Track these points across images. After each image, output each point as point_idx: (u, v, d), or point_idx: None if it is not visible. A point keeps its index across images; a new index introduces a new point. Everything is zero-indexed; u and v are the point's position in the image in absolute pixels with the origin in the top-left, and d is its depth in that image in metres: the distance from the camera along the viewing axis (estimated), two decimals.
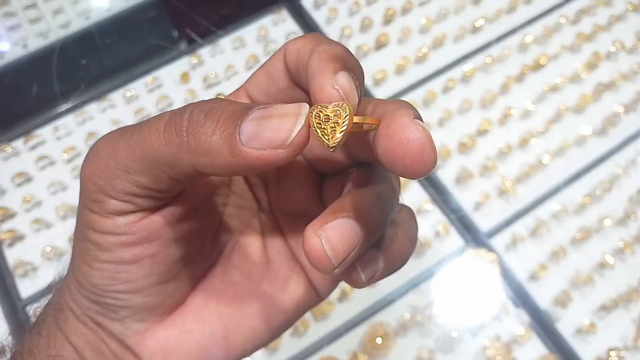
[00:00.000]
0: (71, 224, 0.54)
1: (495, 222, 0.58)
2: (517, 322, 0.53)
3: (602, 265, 0.55)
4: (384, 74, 0.64)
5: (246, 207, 0.26)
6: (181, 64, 0.66)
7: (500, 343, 0.51)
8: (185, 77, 0.64)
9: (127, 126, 0.21)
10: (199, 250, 0.24)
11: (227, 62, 0.65)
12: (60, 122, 0.61)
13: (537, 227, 0.57)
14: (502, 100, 0.64)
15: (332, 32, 0.67)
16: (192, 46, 0.67)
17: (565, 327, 0.53)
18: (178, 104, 0.62)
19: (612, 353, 0.51)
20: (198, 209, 0.23)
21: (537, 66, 0.65)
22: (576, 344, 0.52)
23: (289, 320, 0.25)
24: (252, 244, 0.25)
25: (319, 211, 0.21)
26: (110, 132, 0.21)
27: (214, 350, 0.23)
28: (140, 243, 0.21)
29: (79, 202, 0.21)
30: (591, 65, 0.65)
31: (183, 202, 0.22)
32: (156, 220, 0.21)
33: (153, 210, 0.21)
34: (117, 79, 0.64)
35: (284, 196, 0.25)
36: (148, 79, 0.64)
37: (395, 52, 0.66)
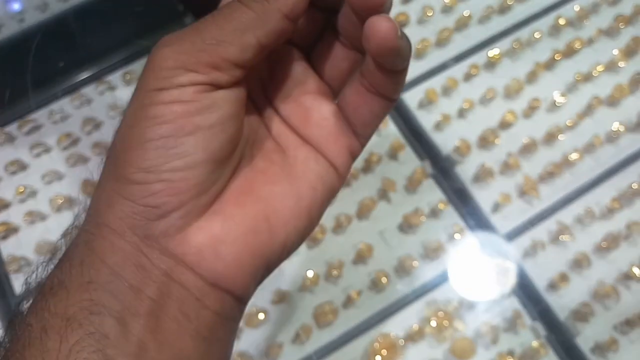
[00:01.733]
0: (66, 215, 0.52)
1: (514, 224, 0.54)
2: (532, 336, 0.50)
3: (628, 277, 0.51)
4: None
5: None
6: None
7: (513, 358, 0.48)
8: None
9: (191, 27, 0.23)
10: (240, 137, 0.24)
11: None
12: (55, 105, 0.58)
13: (560, 232, 0.53)
14: (529, 90, 0.59)
15: None
16: None
17: (585, 342, 0.50)
18: None
19: None
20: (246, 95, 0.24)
21: (570, 52, 0.60)
22: None
23: (319, 199, 0.25)
24: (263, 138, 0.26)
25: (315, 82, 0.26)
26: (176, 33, 0.23)
27: (259, 232, 0.23)
28: (202, 112, 0.22)
29: (138, 89, 0.22)
30: (630, 52, 0.60)
31: (240, 85, 0.23)
32: (220, 93, 0.22)
33: (221, 86, 0.23)
34: (116, 57, 0.60)
35: (279, 84, 0.27)
36: None
37: (414, 34, 0.61)
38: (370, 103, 0.25)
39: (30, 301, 0.22)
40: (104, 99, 0.58)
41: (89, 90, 0.59)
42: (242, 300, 0.23)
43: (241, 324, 0.50)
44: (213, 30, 0.22)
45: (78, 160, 0.55)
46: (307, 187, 0.25)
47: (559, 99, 0.58)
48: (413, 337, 0.49)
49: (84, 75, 0.59)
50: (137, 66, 0.60)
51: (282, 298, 0.51)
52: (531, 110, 0.57)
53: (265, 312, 0.50)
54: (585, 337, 0.50)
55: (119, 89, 0.59)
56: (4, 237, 0.53)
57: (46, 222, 0.54)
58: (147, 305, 0.21)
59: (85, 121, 0.56)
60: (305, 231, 0.25)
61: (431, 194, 0.55)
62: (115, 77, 0.59)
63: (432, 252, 0.52)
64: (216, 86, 0.22)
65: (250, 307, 0.50)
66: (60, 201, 0.53)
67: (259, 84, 0.27)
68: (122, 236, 0.21)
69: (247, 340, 0.50)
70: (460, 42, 0.61)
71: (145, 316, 0.21)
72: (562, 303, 0.51)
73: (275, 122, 0.26)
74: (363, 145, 0.27)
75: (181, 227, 0.22)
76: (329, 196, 0.26)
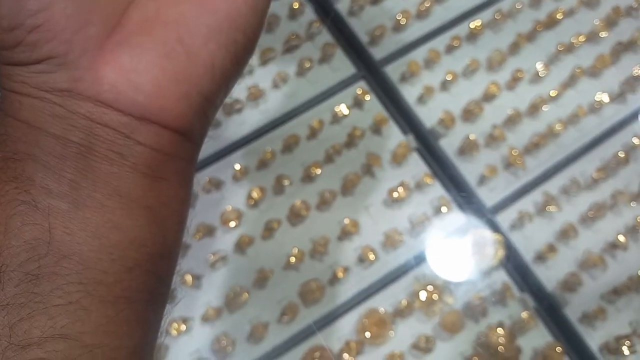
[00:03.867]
0: None
1: (500, 197, 0.53)
2: (521, 307, 0.49)
3: (614, 246, 0.51)
4: (381, 31, 0.58)
5: None
6: None
7: (503, 329, 0.48)
8: None
9: None
10: None
11: None
12: None
13: (546, 203, 0.52)
14: (512, 62, 0.58)
15: None
16: None
17: (573, 312, 0.49)
18: None
19: (622, 340, 0.48)
20: None
21: (552, 22, 0.59)
22: (584, 331, 0.49)
23: (242, 6, 0.22)
24: None
25: None
26: None
27: (174, 56, 0.21)
28: None
29: None
30: (610, 22, 0.59)
31: None
32: None
33: None
34: None
35: None
36: None
37: (394, 6, 0.60)
38: None
39: None
40: None
41: None
42: (185, 134, 0.21)
43: (222, 304, 0.49)
44: None
45: None
46: None
47: (542, 70, 0.57)
48: (402, 312, 0.48)
49: None
50: None
51: (266, 277, 0.49)
52: (514, 81, 0.57)
53: (248, 291, 0.49)
54: (574, 307, 0.49)
55: None
56: None
57: None
58: (75, 149, 0.19)
59: None
60: (236, 46, 0.22)
61: (416, 168, 0.54)
62: None
63: (419, 227, 0.51)
64: None
65: (233, 287, 0.48)
66: None
67: None
68: (29, 95, 0.20)
69: (231, 321, 0.48)
70: (441, 14, 0.60)
71: (73, 159, 0.19)
72: (549, 274, 0.50)
73: None
74: None
75: (87, 68, 0.20)
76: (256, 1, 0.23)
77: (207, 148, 0.53)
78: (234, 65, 0.22)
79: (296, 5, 0.58)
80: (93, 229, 0.19)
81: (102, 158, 0.20)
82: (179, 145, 0.21)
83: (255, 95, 0.55)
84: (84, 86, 0.20)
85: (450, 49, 0.58)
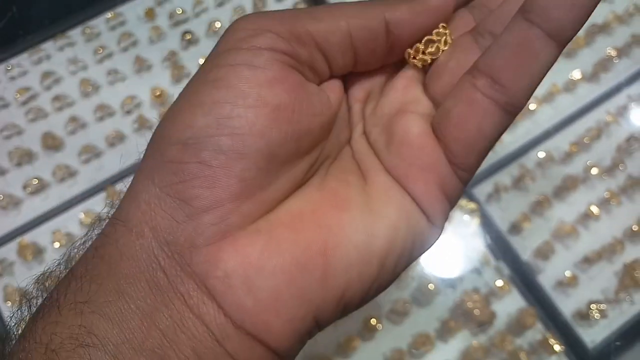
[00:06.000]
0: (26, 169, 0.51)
1: (477, 170, 0.55)
2: (496, 275, 0.51)
3: (587, 216, 0.53)
4: None
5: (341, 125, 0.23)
6: None
7: (479, 296, 0.49)
8: (149, 14, 0.59)
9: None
10: (317, 144, 0.20)
11: None
12: (14, 61, 0.57)
13: (522, 176, 0.54)
14: None
15: None
16: None
17: (547, 279, 0.51)
18: (142, 42, 0.57)
19: (593, 306, 0.50)
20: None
21: None
22: (557, 297, 0.50)
23: (399, 243, 0.19)
24: (345, 157, 0.21)
25: (419, 96, 0.22)
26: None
27: (310, 268, 0.17)
28: (274, 85, 0.18)
29: (209, 55, 0.19)
30: None
31: (335, 90, 0.21)
32: (312, 87, 0.20)
33: (301, 62, 0.20)
34: (77, 15, 0.59)
35: (382, 103, 0.22)
36: (109, 14, 0.59)
37: None
38: (482, 115, 0.20)
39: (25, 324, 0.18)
40: (64, 54, 0.57)
41: (48, 46, 0.57)
42: (280, 356, 0.18)
43: None
44: (306, 9, 0.20)
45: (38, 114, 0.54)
46: (386, 224, 0.19)
47: None
48: None
49: (43, 33, 0.58)
50: (96, 22, 0.59)
51: None
52: None
53: None
54: (547, 275, 0.51)
55: (78, 44, 0.58)
56: None
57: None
58: (154, 339, 0.16)
59: (44, 75, 0.55)
60: (372, 285, 0.19)
61: None
62: (75, 32, 0.58)
63: None
64: (296, 60, 0.19)
65: None
66: (20, 154, 0.52)
67: (363, 94, 0.23)
68: (140, 237, 0.17)
69: None
70: None
71: (149, 354, 0.16)
72: (524, 243, 0.52)
73: (359, 138, 0.22)
74: (463, 180, 0.21)
75: (212, 238, 0.17)
76: (414, 245, 0.20)
77: None
78: (360, 302, 0.19)
79: None
80: None
81: None
82: None
83: None
84: (198, 258, 0.17)
85: None
